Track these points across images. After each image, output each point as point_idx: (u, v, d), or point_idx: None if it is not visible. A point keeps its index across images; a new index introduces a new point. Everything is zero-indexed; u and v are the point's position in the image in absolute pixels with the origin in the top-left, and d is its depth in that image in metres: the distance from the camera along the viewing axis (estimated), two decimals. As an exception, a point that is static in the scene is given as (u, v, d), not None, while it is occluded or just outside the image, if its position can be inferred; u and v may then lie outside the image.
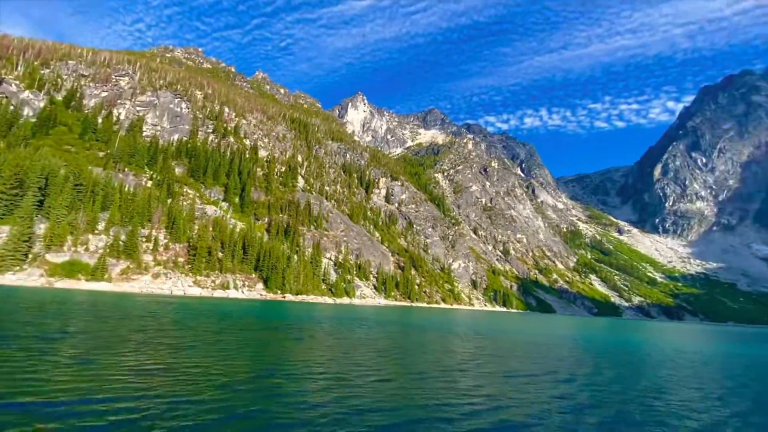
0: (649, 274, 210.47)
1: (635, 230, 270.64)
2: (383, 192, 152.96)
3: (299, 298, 67.21)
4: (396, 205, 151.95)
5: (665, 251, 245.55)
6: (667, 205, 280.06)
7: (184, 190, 77.96)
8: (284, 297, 65.16)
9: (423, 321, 40.52)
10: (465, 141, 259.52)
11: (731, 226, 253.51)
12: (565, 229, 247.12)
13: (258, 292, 63.80)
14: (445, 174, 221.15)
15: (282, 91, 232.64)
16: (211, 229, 67.22)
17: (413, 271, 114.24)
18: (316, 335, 19.88)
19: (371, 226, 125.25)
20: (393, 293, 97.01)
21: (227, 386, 8.38)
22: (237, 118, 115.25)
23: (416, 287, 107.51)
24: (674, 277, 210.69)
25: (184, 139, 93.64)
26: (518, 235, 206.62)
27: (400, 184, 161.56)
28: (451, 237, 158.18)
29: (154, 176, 75.70)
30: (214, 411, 6.88)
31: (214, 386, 8.28)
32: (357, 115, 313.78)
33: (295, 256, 76.32)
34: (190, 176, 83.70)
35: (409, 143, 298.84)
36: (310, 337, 18.98)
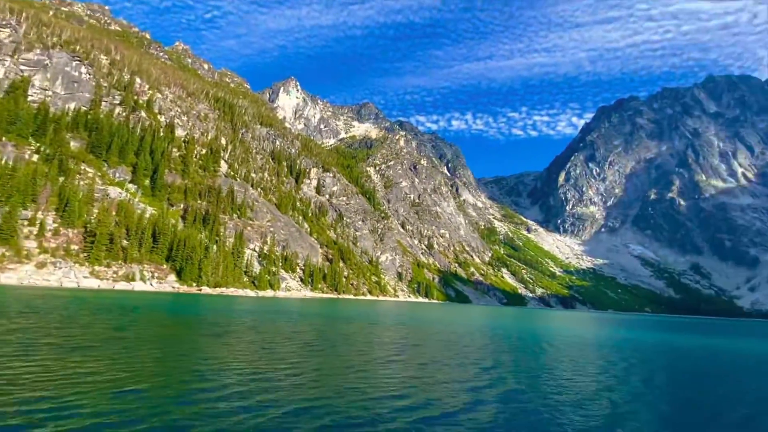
0: (550, 268, 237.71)
1: (541, 229, 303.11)
2: (314, 183, 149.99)
3: (218, 290, 63.23)
4: (327, 196, 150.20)
5: (564, 248, 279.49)
6: (567, 208, 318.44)
7: (82, 167, 67.94)
8: (200, 290, 60.79)
9: (349, 312, 41.00)
10: (397, 137, 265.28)
11: (615, 229, 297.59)
12: (482, 227, 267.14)
13: (170, 284, 58.60)
14: (377, 168, 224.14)
15: (206, 66, 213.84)
16: (114, 213, 59.75)
17: (341, 264, 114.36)
18: (236, 330, 18.99)
19: (300, 217, 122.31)
20: (320, 285, 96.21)
21: (127, 391, 7.38)
22: (151, 91, 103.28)
23: (344, 279, 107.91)
24: (570, 271, 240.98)
25: (83, 109, 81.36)
26: (442, 231, 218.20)
27: (332, 175, 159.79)
28: (380, 230, 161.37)
29: (43, 149, 64.71)
30: (105, 421, 5.84)
31: (108, 391, 7.24)
32: (289, 101, 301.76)
33: (215, 246, 71.46)
34: (89, 152, 73.08)
35: (343, 135, 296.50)
36: (229, 332, 18.05)
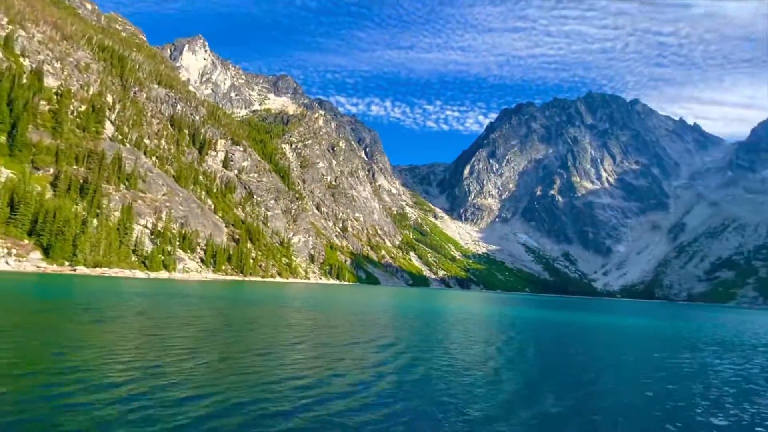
0: (452, 252, 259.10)
1: (446, 217, 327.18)
2: (221, 156, 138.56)
3: (98, 271, 55.49)
4: (236, 172, 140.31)
5: (464, 235, 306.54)
6: (470, 198, 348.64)
7: None
8: (74, 270, 52.69)
9: (255, 295, 39.80)
10: (317, 116, 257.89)
11: (507, 219, 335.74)
12: (395, 212, 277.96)
13: (33, 263, 49.61)
14: (293, 146, 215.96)
15: (89, 7, 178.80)
16: (-50, 175, 47.84)
17: (249, 244, 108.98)
18: (122, 315, 17.22)
19: (203, 193, 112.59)
20: (224, 267, 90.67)
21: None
22: (11, 26, 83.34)
23: (251, 261, 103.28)
24: (468, 255, 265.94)
25: None
26: (356, 214, 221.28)
27: (242, 149, 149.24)
28: (293, 211, 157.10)
29: None
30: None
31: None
32: (195, 62, 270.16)
33: (95, 221, 62.11)
34: None
35: (257, 106, 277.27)
36: (114, 318, 16.23)
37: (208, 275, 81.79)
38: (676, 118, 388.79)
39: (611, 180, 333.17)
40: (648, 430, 6.93)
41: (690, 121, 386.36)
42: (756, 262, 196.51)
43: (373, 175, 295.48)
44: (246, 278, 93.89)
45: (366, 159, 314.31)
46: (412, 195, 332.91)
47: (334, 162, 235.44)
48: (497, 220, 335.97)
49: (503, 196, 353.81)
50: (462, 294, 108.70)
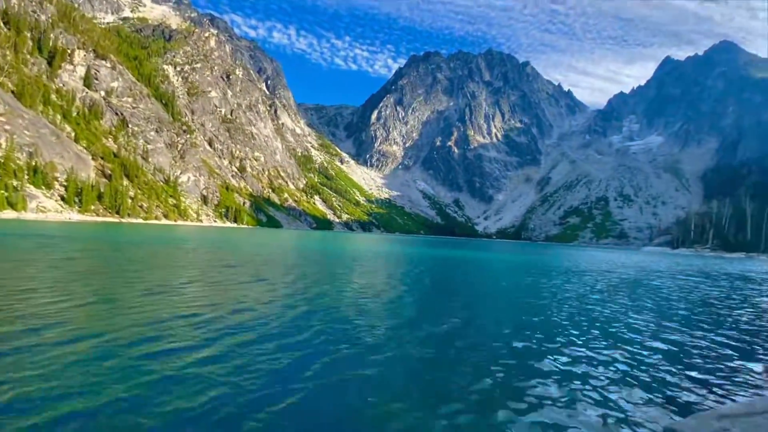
0: (356, 197, 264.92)
1: (352, 162, 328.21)
2: (80, 71, 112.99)
3: None
4: (102, 93, 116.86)
5: (369, 181, 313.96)
6: (375, 144, 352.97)
7: None
8: None
9: (137, 237, 36.14)
10: (207, 35, 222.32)
11: (408, 167, 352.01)
12: (299, 154, 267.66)
13: None
14: (179, 69, 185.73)
15: None
16: None
17: (126, 182, 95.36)
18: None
19: (59, 117, 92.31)
20: (93, 207, 78.65)
21: None
22: None
23: (129, 201, 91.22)
24: (371, 200, 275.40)
25: None
26: (256, 154, 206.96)
27: (110, 66, 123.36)
28: (180, 146, 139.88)
29: None
30: None
31: None
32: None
33: None
34: None
35: (128, 13, 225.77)
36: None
37: (73, 216, 70.34)
38: (555, 84, 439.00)
39: (499, 136, 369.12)
40: (517, 326, 9.38)
41: (565, 88, 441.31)
42: (595, 210, 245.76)
43: (276, 111, 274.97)
44: (124, 220, 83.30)
45: (267, 93, 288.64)
46: (318, 137, 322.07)
47: (229, 92, 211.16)
48: (400, 167, 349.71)
49: (407, 144, 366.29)
50: (364, 236, 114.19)
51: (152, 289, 10.87)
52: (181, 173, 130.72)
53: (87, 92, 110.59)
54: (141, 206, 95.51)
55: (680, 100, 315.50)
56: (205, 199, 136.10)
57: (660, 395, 5.25)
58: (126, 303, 9.01)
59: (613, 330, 9.29)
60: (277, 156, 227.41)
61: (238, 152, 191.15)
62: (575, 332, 8.77)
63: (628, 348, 7.70)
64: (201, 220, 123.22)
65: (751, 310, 13.72)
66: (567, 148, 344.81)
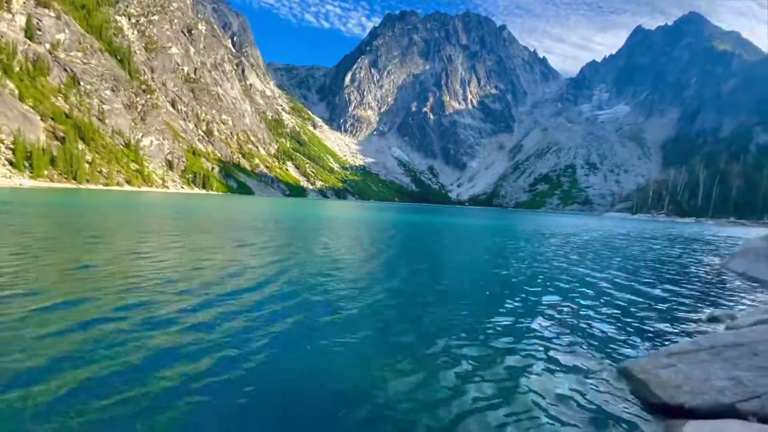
0: (330, 164, 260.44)
1: (326, 127, 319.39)
2: (21, 21, 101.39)
3: None
4: (47, 46, 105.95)
5: (343, 147, 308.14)
6: (350, 109, 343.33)
7: None
8: None
9: (101, 203, 34.39)
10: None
11: (384, 133, 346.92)
12: (270, 117, 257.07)
13: None
14: (134, 21, 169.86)
15: None
16: None
17: (81, 145, 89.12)
18: None
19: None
20: (46, 172, 73.57)
21: None
22: None
23: (86, 166, 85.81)
24: (345, 167, 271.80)
25: None
26: (224, 116, 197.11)
27: (54, 15, 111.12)
28: (141, 107, 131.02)
29: None
30: None
31: None
32: None
33: None
34: None
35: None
36: None
37: (24, 182, 65.70)
38: (531, 50, 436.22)
39: (474, 102, 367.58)
40: (478, 282, 9.88)
41: (540, 54, 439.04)
42: (563, 178, 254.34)
43: (243, 71, 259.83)
44: (82, 186, 78.65)
45: (233, 50, 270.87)
46: (289, 99, 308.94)
47: (192, 49, 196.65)
48: (375, 133, 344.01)
49: (382, 109, 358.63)
50: (340, 204, 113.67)
51: (130, 253, 10.63)
52: (142, 136, 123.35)
53: (29, 45, 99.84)
54: (100, 171, 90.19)
55: (648, 69, 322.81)
56: (170, 165, 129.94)
57: (617, 340, 5.87)
58: (101, 268, 8.81)
59: (576, 284, 10.06)
60: (246, 119, 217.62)
61: (204, 115, 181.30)
62: (539, 286, 9.44)
63: (590, 300, 8.40)
64: (167, 187, 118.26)
65: (700, 267, 15.10)
66: (539, 116, 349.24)
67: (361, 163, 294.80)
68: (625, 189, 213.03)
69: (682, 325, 6.83)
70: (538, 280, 10.55)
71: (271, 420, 3.46)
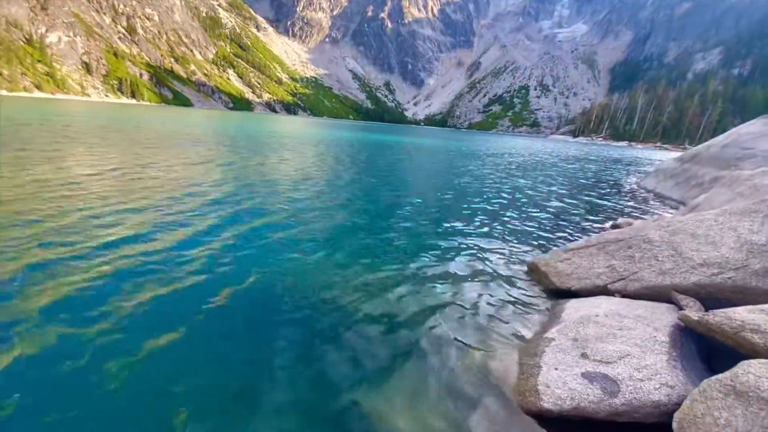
0: (277, 74, 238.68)
1: (271, 29, 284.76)
2: None
3: None
4: None
5: (292, 54, 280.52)
6: (298, 9, 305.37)
7: None
8: None
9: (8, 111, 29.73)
10: None
11: (337, 40, 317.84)
12: (204, 14, 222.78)
13: None
14: None
15: None
16: None
17: (-35, 37, 73.25)
18: None
19: None
20: (-74, 70, 60.78)
21: None
22: None
23: (-22, 64, 71.81)
24: (295, 78, 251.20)
25: None
26: (147, 10, 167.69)
27: None
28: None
29: None
30: None
31: None
32: None
33: None
34: None
35: None
36: None
37: None
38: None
39: (435, 10, 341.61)
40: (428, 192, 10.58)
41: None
42: (516, 99, 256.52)
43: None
44: (-21, 90, 66.62)
45: None
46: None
47: None
48: (327, 40, 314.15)
49: (334, 12, 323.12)
50: (290, 119, 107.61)
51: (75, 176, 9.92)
52: (47, 31, 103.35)
53: None
54: (0, 74, 76.27)
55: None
56: (87, 68, 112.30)
57: (532, 242, 6.99)
58: (52, 189, 8.29)
59: (505, 196, 11.24)
60: (176, 15, 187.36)
61: (122, 7, 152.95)
62: (476, 199, 10.47)
63: (513, 211, 9.56)
64: (87, 94, 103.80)
65: (617, 185, 17.14)
66: (500, 30, 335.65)
67: (313, 74, 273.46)
68: (571, 112, 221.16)
69: (589, 231, 8.15)
70: (474, 194, 11.57)
71: (248, 320, 4.00)
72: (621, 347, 3.10)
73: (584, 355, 3.12)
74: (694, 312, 3.19)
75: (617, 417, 2.56)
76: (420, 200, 10.35)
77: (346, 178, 13.41)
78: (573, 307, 4.13)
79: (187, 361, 3.14)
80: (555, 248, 6.52)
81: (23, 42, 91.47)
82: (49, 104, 53.55)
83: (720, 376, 2.24)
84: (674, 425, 2.31)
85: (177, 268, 4.76)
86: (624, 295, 4.37)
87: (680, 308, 3.72)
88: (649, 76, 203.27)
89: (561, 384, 2.81)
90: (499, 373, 3.32)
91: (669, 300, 3.99)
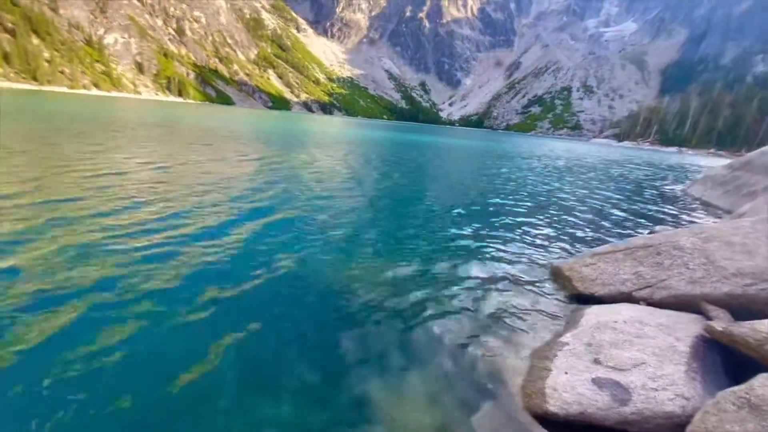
0: (315, 74, 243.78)
1: (311, 30, 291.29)
2: None
3: None
4: None
5: (330, 55, 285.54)
6: (337, 10, 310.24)
7: None
8: None
9: (70, 108, 32.44)
10: None
11: (374, 41, 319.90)
12: (248, 16, 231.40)
13: None
14: None
15: None
16: None
17: (36, 40, 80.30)
18: None
19: None
20: (1, 70, 67.21)
21: None
22: None
23: (46, 64, 78.45)
24: (332, 79, 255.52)
25: None
26: (195, 13, 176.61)
27: None
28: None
29: None
30: None
31: None
32: None
33: None
34: None
35: None
36: None
37: (-20, 80, 60.35)
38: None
39: (474, 9, 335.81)
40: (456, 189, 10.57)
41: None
42: (557, 100, 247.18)
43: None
44: (44, 88, 72.84)
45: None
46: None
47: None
48: (365, 40, 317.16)
49: (372, 13, 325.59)
50: (327, 119, 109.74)
51: (145, 162, 10.72)
52: (105, 32, 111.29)
53: None
54: (62, 72, 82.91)
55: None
56: (140, 67, 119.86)
57: (565, 246, 6.77)
58: (111, 180, 9.00)
59: (543, 200, 10.90)
60: (221, 17, 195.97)
61: (173, 10, 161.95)
62: (506, 201, 10.24)
63: (553, 214, 9.26)
64: (139, 92, 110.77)
65: (664, 191, 16.18)
66: (542, 29, 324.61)
67: (349, 74, 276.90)
68: (617, 115, 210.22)
69: (623, 238, 7.78)
70: (508, 196, 11.32)
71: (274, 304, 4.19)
72: (637, 355, 2.99)
73: (597, 361, 3.03)
74: (719, 323, 3.01)
75: (627, 426, 2.47)
76: (448, 201, 10.29)
77: (375, 176, 13.54)
78: (593, 313, 4.00)
79: (205, 344, 3.34)
80: (580, 253, 6.29)
81: (83, 43, 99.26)
82: (107, 102, 57.76)
83: (735, 388, 2.14)
84: None
85: (203, 254, 5.05)
86: (650, 304, 4.17)
87: (709, 319, 3.51)
88: (703, 78, 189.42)
89: (569, 388, 2.76)
90: (509, 375, 3.29)
91: (698, 311, 3.77)
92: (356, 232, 6.67)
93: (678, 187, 18.47)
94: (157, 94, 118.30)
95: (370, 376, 3.08)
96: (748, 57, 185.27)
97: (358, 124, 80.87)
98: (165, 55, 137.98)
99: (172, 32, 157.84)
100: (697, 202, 14.06)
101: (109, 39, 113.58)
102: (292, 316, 3.86)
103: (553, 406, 2.65)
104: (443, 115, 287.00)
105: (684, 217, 10.85)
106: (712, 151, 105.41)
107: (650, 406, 2.47)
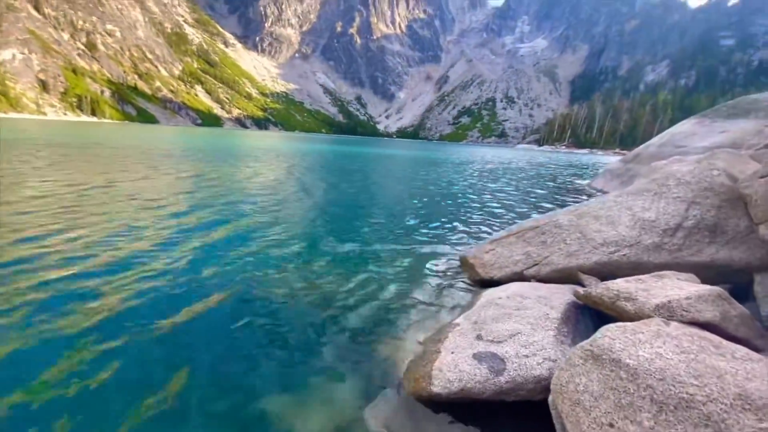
0: (247, 89, 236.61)
1: (239, 45, 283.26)
2: None
3: None
4: None
5: (261, 70, 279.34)
6: (266, 25, 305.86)
7: None
8: None
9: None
10: None
11: (307, 55, 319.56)
12: (170, 30, 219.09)
13: None
14: None
15: None
16: None
17: None
18: None
19: None
20: None
21: None
22: None
23: None
24: (265, 93, 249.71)
25: None
26: (108, 26, 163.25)
27: None
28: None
29: None
30: None
31: None
32: None
33: None
34: None
35: None
36: None
37: None
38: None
39: (402, 27, 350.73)
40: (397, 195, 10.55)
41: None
42: (484, 111, 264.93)
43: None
44: None
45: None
46: (192, 9, 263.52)
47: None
48: (297, 55, 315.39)
49: (303, 28, 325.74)
50: (261, 134, 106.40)
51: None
52: (0, 48, 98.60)
53: None
54: (-60, 91, 71.58)
55: (566, 4, 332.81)
56: (44, 85, 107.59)
57: (474, 237, 7.08)
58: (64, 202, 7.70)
59: (462, 200, 11.44)
60: (139, 31, 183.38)
61: (81, 23, 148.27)
62: (432, 202, 10.61)
63: (465, 210, 9.71)
64: (44, 113, 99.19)
65: (569, 185, 17.82)
66: (465, 45, 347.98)
67: (283, 89, 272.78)
68: (536, 122, 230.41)
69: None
70: (432, 198, 11.72)
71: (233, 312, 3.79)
72: (513, 326, 3.12)
73: (479, 337, 3.11)
74: (583, 288, 3.27)
75: (503, 396, 2.48)
76: (379, 206, 10.36)
77: (321, 185, 13.28)
78: (487, 294, 4.17)
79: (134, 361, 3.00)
80: (482, 241, 6.63)
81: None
82: (2, 123, 50.56)
83: (583, 342, 2.23)
84: (549, 399, 2.25)
85: (141, 279, 4.48)
86: (538, 280, 4.45)
87: (583, 287, 3.82)
88: (605, 87, 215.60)
89: (453, 367, 2.72)
90: (405, 363, 3.28)
91: (577, 282, 4.09)
92: (308, 234, 6.40)
93: (584, 182, 20.51)
94: (65, 114, 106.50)
95: (271, 389, 2.95)
96: (639, 68, 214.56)
97: (297, 138, 79.65)
98: (74, 71, 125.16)
99: (82, 47, 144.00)
100: (599, 192, 15.67)
101: (5, 54, 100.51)
102: (206, 346, 3.52)
103: (437, 386, 2.62)
104: (380, 127, 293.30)
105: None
106: (617, 150, 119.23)
107: (522, 372, 2.51)
